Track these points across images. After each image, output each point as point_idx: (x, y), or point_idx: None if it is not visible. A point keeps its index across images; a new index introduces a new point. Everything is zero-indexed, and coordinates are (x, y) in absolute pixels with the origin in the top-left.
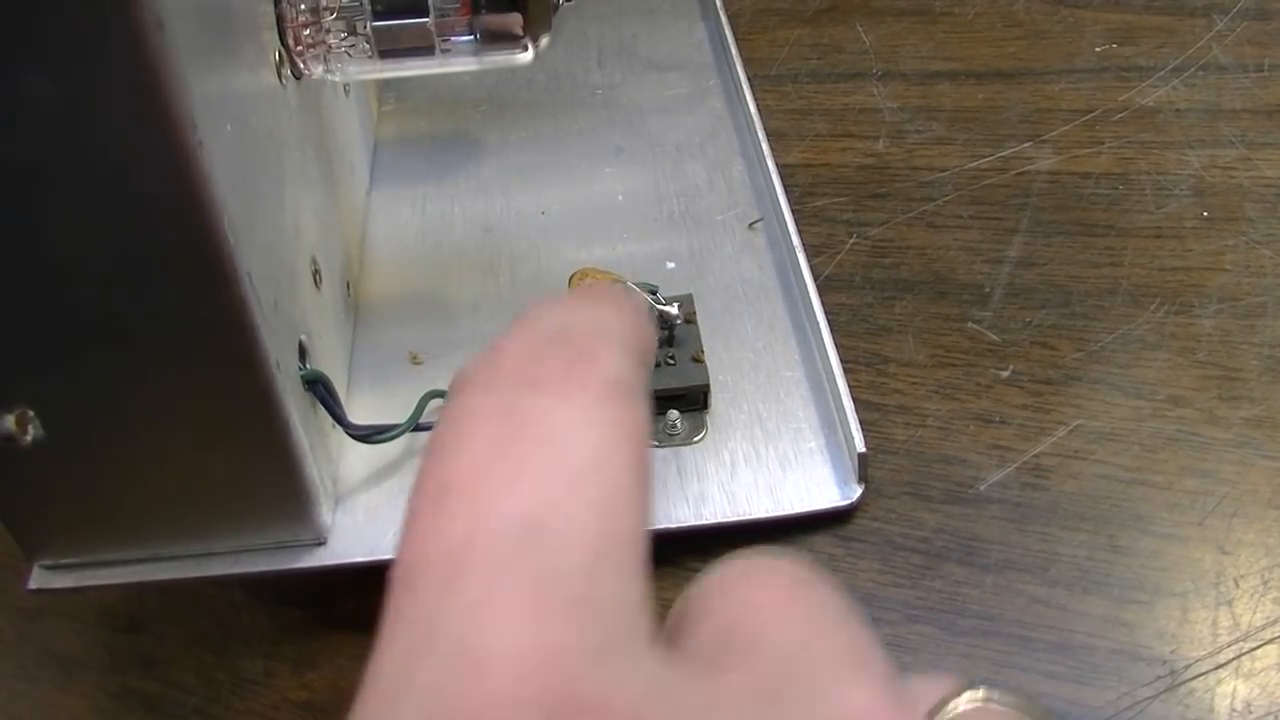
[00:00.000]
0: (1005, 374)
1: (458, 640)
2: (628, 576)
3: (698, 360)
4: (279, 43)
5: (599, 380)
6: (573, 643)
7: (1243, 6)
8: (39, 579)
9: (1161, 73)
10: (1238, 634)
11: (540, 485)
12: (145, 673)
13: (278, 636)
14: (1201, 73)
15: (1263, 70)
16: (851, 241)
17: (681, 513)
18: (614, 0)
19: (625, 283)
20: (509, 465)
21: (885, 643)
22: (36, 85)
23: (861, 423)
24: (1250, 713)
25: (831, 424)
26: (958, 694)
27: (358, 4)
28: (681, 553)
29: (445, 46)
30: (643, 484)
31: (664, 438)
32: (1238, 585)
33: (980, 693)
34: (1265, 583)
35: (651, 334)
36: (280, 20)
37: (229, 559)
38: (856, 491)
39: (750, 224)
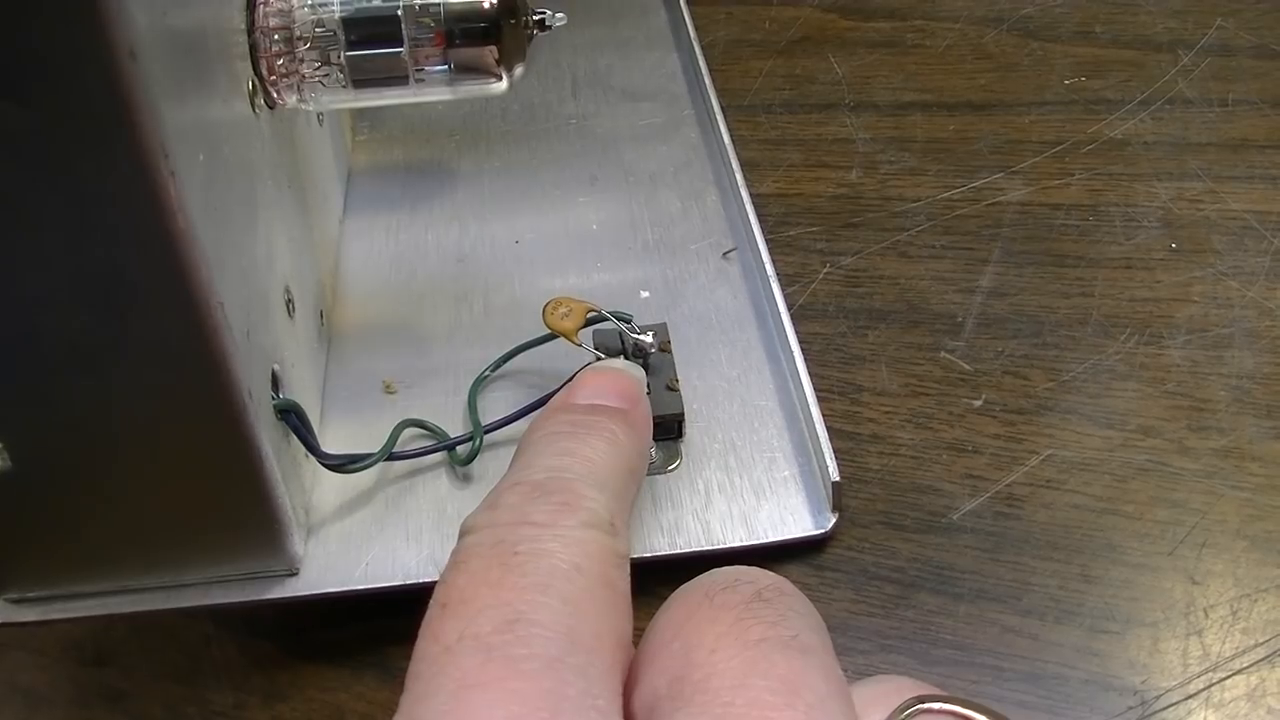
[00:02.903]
0: (978, 403)
1: (447, 715)
2: (591, 661)
3: (672, 389)
4: (252, 72)
5: (578, 520)
6: (531, 716)
7: (1207, 42)
8: (3, 613)
9: (1129, 106)
10: (1208, 664)
11: (518, 594)
12: (113, 706)
13: (248, 668)
14: (1168, 106)
15: (1227, 105)
16: (825, 271)
17: (656, 542)
18: (588, 31)
19: (600, 309)
20: (494, 581)
21: (858, 672)
22: (7, 113)
23: (835, 452)
24: None
25: (805, 453)
26: (904, 708)
27: (331, 34)
28: (657, 582)
29: (419, 76)
30: (615, 596)
31: None
32: (1207, 615)
33: (926, 702)
34: (1234, 613)
35: (643, 438)
36: (254, 50)
37: (199, 590)
38: (830, 520)
39: (724, 253)
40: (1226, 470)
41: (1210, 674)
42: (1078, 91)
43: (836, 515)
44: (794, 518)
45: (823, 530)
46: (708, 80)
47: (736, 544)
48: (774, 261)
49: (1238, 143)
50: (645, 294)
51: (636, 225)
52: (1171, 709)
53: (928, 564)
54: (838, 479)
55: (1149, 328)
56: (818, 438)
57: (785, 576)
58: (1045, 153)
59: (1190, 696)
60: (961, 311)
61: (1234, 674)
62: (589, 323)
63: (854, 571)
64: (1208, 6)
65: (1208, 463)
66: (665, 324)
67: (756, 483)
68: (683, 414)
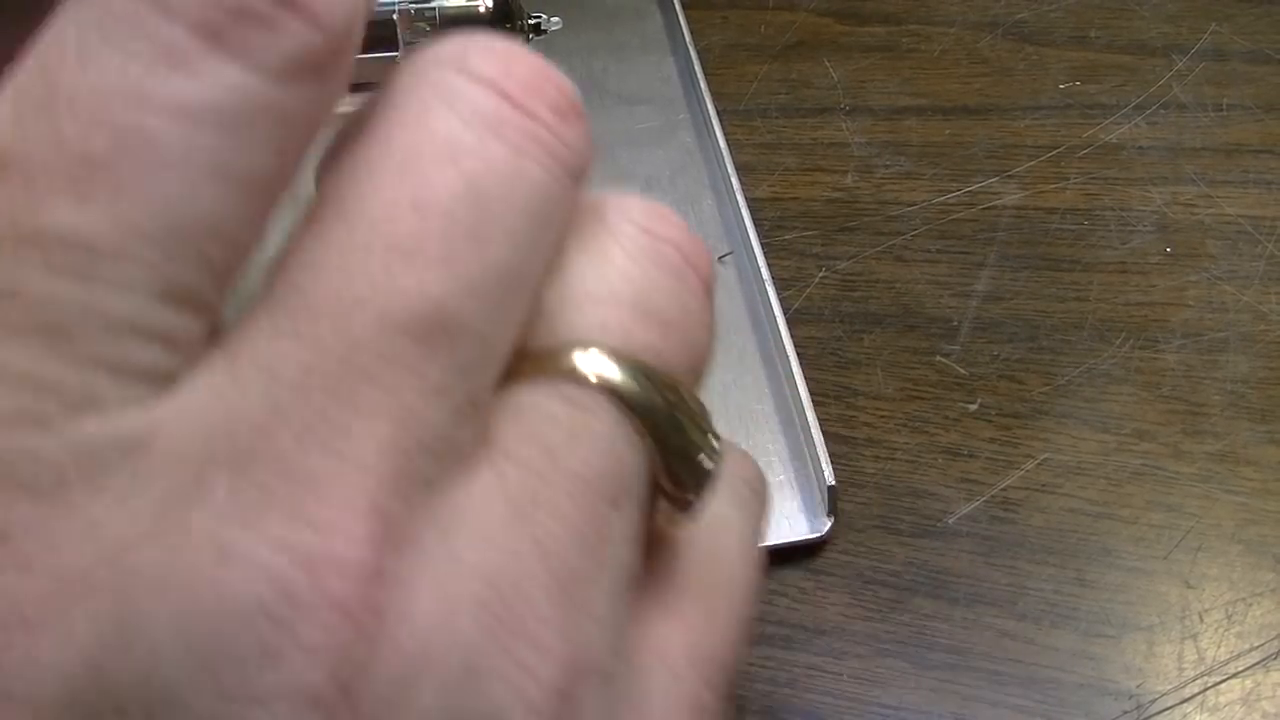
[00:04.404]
0: (973, 407)
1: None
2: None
3: None
4: None
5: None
6: None
7: (1201, 47)
8: None
9: (1124, 110)
10: (1203, 668)
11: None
12: None
13: None
14: (1163, 111)
15: (1221, 109)
16: (820, 275)
17: None
18: (584, 35)
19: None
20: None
21: (854, 676)
22: None
23: (831, 456)
24: None
25: (801, 457)
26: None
27: None
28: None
29: None
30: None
31: None
32: (1202, 619)
33: None
34: (1229, 617)
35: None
36: None
37: None
38: (826, 524)
39: (720, 257)
40: (1221, 474)
41: (1205, 678)
42: (1073, 96)
43: (832, 519)
44: (790, 522)
45: (818, 534)
46: (703, 84)
47: None
48: (769, 266)
49: (1232, 147)
50: None
51: None
52: (1167, 713)
53: (923, 568)
54: (833, 483)
55: (1144, 332)
56: (813, 442)
57: (781, 580)
58: (1040, 157)
59: (1185, 700)
60: (957, 315)
61: (1229, 678)
62: None
63: (850, 576)
64: (1202, 11)
65: (1203, 467)
66: None
67: None
68: None
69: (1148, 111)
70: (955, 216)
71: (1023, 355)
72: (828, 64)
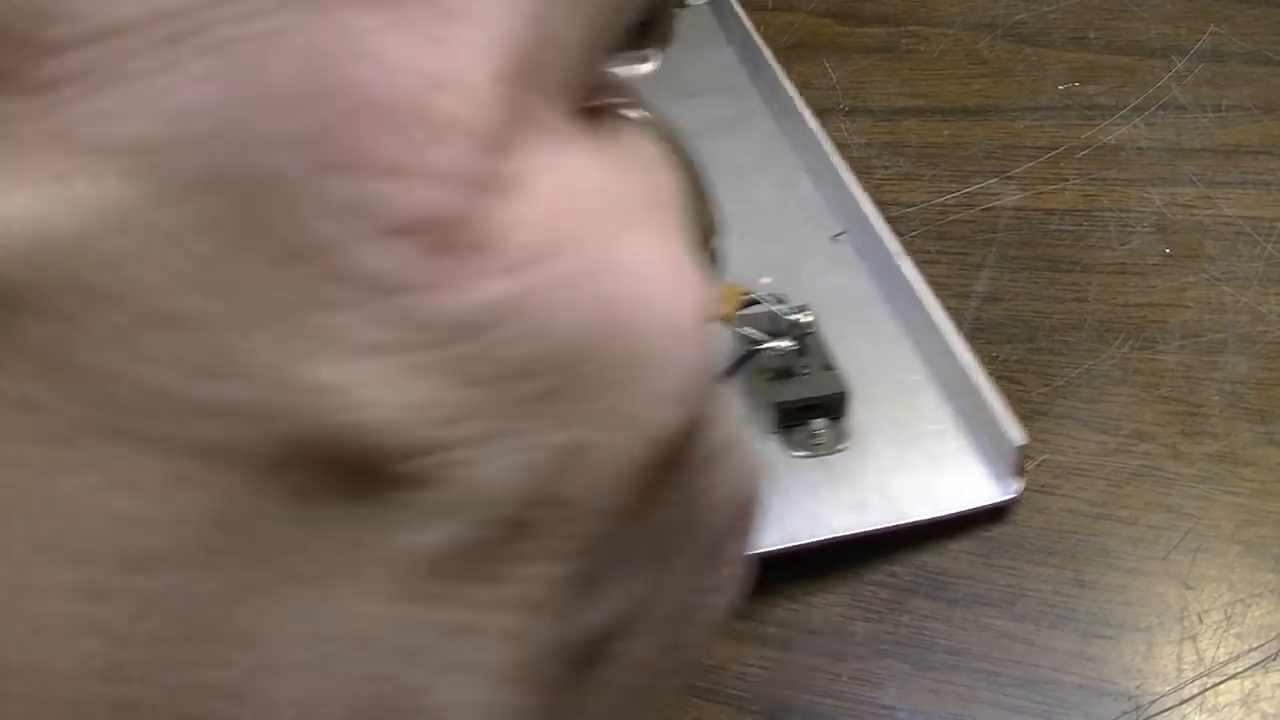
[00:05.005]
0: None
1: None
2: None
3: (830, 368)
4: None
5: None
6: None
7: (1200, 48)
8: None
9: (1123, 111)
10: (1201, 669)
11: None
12: None
13: None
14: (1162, 112)
15: (1220, 110)
16: None
17: (845, 520)
18: None
19: (753, 292)
20: None
21: (853, 677)
22: None
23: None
24: None
25: (972, 422)
26: None
27: None
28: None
29: None
30: None
31: (811, 446)
32: (1201, 620)
33: None
34: (1228, 618)
35: None
36: None
37: None
38: (1015, 487)
39: (834, 236)
40: (1220, 475)
41: (1204, 679)
42: (1072, 97)
43: (1023, 482)
44: (977, 487)
45: (1009, 496)
46: (778, 71)
47: (924, 517)
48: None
49: (1231, 148)
50: (767, 279)
51: (739, 215)
52: (1165, 714)
53: (922, 569)
54: (1023, 442)
55: (1143, 333)
56: (988, 406)
57: (780, 582)
58: (1040, 158)
59: (1184, 701)
60: (956, 316)
61: (1228, 679)
62: (742, 306)
63: (849, 577)
64: (1201, 12)
65: (1201, 468)
66: (807, 305)
67: (931, 455)
68: (845, 391)
69: (1147, 112)
70: (954, 217)
71: (1021, 356)
72: (827, 65)
